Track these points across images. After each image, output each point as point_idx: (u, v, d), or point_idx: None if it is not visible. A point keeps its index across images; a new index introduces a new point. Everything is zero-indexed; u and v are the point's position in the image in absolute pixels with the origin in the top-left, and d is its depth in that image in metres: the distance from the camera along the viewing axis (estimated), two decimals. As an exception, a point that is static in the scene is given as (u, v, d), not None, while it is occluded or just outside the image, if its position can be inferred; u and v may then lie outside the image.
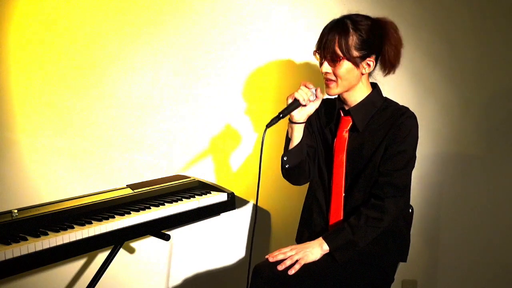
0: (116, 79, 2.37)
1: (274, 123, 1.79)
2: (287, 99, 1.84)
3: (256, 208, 1.82)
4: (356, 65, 1.78)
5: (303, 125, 1.88)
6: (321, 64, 1.82)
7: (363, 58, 1.78)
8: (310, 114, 1.88)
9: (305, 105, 1.83)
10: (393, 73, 1.89)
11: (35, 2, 2.27)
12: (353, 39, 1.76)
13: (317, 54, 1.84)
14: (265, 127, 1.79)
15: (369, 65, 1.81)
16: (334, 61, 1.78)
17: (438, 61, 2.42)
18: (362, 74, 1.82)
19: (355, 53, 1.76)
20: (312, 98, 1.83)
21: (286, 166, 1.91)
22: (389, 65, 1.85)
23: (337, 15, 1.84)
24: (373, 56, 1.81)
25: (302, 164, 1.91)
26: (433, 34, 2.41)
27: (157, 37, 2.37)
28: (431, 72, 2.43)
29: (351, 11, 1.85)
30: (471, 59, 2.43)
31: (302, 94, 1.81)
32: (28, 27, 2.27)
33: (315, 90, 1.84)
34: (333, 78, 1.80)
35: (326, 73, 1.80)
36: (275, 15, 2.40)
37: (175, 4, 2.36)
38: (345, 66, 1.77)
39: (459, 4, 2.40)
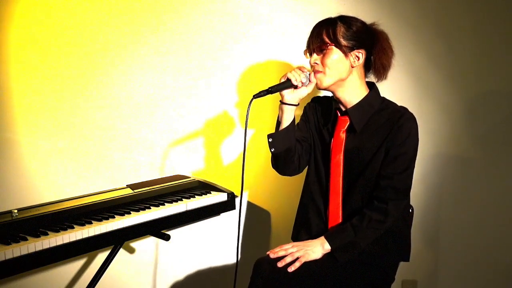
0: (116, 79, 2.37)
1: (261, 96, 1.78)
2: (280, 79, 1.82)
3: (242, 183, 1.81)
4: (345, 53, 1.78)
5: (293, 108, 1.85)
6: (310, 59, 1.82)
7: (351, 48, 1.78)
8: (301, 98, 1.84)
9: (296, 87, 1.80)
10: (385, 78, 1.88)
11: (35, 2, 2.27)
12: (340, 29, 1.77)
13: (307, 53, 1.84)
14: (251, 97, 1.77)
15: (358, 57, 1.80)
16: (322, 49, 1.78)
17: (438, 61, 2.43)
18: (352, 66, 1.81)
19: (343, 42, 1.77)
20: (304, 80, 1.80)
21: (272, 150, 1.88)
22: (380, 69, 1.85)
23: (336, 15, 1.85)
24: (363, 50, 1.80)
25: (290, 152, 1.88)
26: (433, 34, 2.41)
27: (157, 37, 2.37)
28: (430, 72, 2.43)
29: (351, 11, 1.86)
30: (471, 59, 2.43)
31: (295, 75, 1.79)
32: (28, 27, 2.28)
33: (309, 74, 1.82)
34: (321, 68, 1.79)
35: (315, 63, 1.80)
36: (275, 15, 2.40)
37: (175, 4, 2.37)
38: (334, 54, 1.77)
39: (459, 4, 2.41)
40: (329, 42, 1.76)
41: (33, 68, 2.30)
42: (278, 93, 1.81)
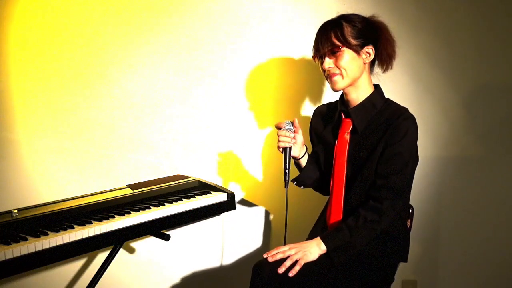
0: (116, 79, 2.37)
1: (288, 179, 1.85)
2: (279, 149, 1.88)
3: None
4: (357, 52, 1.79)
5: (306, 155, 1.97)
6: (321, 64, 1.82)
7: (361, 46, 1.80)
8: (302, 142, 1.93)
9: (294, 143, 1.89)
10: (391, 68, 1.90)
11: (35, 2, 2.27)
12: (347, 30, 1.78)
13: (316, 58, 1.85)
14: (284, 188, 1.85)
15: (369, 53, 1.82)
16: (334, 52, 1.79)
17: (438, 61, 2.43)
18: (364, 63, 1.83)
19: (353, 41, 1.78)
20: (292, 134, 1.87)
21: (302, 187, 2.03)
22: (387, 59, 1.86)
23: (336, 14, 1.85)
24: (371, 46, 1.82)
25: (319, 179, 2.02)
26: (433, 35, 2.41)
27: (157, 37, 2.37)
28: (431, 72, 2.43)
29: (351, 10, 1.86)
30: (471, 59, 2.43)
31: (285, 139, 1.86)
32: (28, 27, 2.27)
33: (292, 124, 1.87)
34: (337, 71, 1.80)
35: (329, 68, 1.80)
36: (275, 15, 2.40)
37: (175, 4, 2.36)
38: (347, 54, 1.78)
39: (459, 4, 2.41)
40: (340, 44, 1.77)
41: (33, 68, 2.30)
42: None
